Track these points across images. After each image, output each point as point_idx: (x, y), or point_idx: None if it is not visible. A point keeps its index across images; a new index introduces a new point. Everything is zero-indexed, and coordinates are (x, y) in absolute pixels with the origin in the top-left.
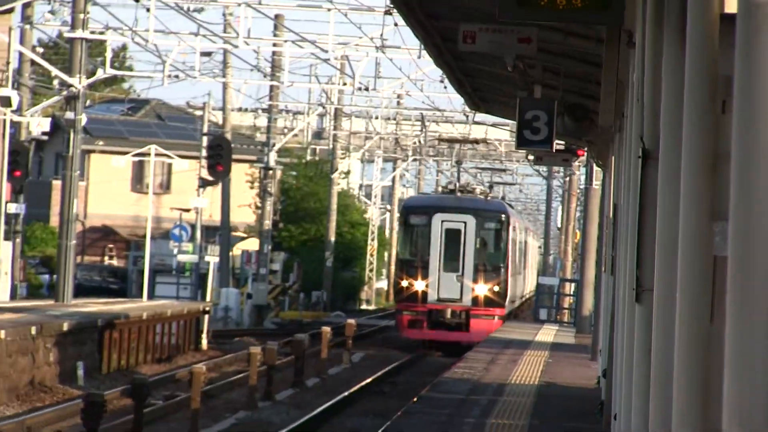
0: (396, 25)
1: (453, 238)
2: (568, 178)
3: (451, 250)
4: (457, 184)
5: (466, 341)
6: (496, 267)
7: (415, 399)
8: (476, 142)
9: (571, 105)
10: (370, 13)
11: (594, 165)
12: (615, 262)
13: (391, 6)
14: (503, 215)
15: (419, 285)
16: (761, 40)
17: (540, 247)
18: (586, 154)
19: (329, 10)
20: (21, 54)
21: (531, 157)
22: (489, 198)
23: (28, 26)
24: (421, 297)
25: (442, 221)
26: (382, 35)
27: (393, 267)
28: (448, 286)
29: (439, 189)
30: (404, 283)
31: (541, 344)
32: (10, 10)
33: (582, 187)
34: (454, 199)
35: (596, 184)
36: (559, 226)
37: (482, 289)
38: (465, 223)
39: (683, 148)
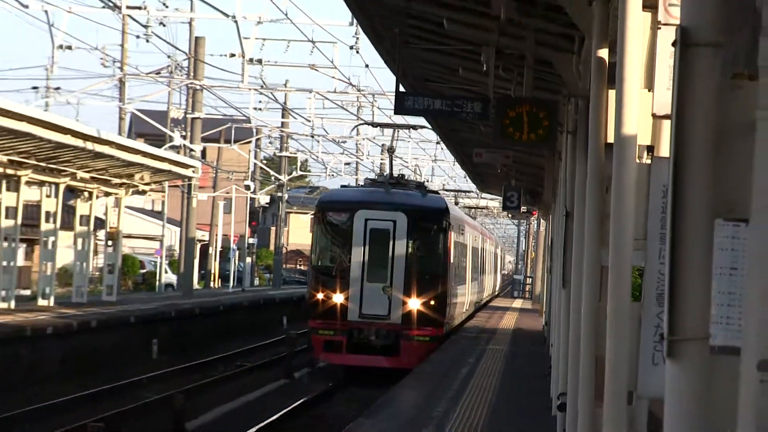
0: (442, 148)
1: (380, 240)
2: (528, 225)
3: (377, 255)
4: (386, 176)
5: (395, 367)
6: (434, 276)
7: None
8: (413, 127)
9: (530, 189)
10: (429, 142)
11: (542, 219)
12: (552, 267)
13: (439, 140)
14: (442, 212)
15: (337, 298)
16: (625, 158)
17: (513, 259)
18: (537, 213)
19: (408, 141)
20: (255, 164)
21: (510, 215)
22: (426, 192)
23: (258, 149)
24: (340, 313)
25: (366, 220)
26: (435, 153)
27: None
28: (373, 300)
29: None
30: (319, 296)
31: (515, 308)
32: (248, 141)
33: (536, 230)
34: (381, 194)
35: (543, 228)
36: (524, 249)
37: (415, 304)
38: (394, 222)
39: (586, 211)
